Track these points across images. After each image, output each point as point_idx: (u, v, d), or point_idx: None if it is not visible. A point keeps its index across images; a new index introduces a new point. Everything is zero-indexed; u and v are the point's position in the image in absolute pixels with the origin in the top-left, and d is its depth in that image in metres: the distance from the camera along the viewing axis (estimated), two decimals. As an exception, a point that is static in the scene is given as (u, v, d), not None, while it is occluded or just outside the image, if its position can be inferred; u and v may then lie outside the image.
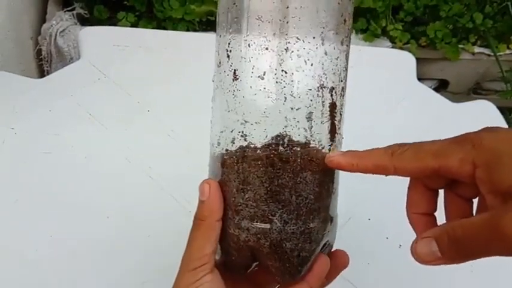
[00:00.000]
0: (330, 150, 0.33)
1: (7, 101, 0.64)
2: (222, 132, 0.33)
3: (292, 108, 0.31)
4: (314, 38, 0.31)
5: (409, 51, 0.83)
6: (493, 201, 0.26)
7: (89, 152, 0.59)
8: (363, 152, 0.31)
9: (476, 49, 1.09)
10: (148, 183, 0.57)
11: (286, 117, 0.31)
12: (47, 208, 0.53)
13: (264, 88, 0.31)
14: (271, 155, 0.31)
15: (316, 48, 0.31)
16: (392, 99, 0.72)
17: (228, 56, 0.32)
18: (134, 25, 0.97)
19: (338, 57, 0.32)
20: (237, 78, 0.32)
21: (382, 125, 0.67)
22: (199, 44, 0.78)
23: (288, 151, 0.31)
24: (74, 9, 0.95)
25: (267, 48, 0.31)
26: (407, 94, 0.74)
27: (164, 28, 0.97)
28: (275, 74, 0.31)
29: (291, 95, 0.31)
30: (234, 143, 0.32)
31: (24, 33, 0.91)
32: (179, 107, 0.67)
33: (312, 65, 0.31)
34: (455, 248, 0.27)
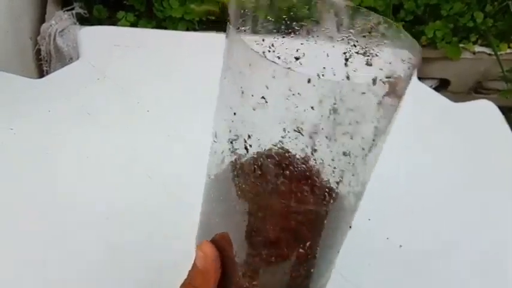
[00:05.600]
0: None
1: (6, 101, 0.64)
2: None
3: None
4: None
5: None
6: None
7: (88, 153, 0.59)
8: None
9: (477, 48, 1.08)
10: (148, 184, 0.57)
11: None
12: (46, 209, 0.53)
13: None
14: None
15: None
16: (392, 98, 0.72)
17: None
18: (134, 25, 0.96)
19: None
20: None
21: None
22: (199, 43, 0.77)
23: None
24: (73, 8, 0.95)
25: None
26: (407, 93, 0.74)
27: (164, 28, 0.97)
28: None
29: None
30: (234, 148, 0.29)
31: (24, 33, 0.91)
32: (179, 106, 0.67)
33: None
34: None
